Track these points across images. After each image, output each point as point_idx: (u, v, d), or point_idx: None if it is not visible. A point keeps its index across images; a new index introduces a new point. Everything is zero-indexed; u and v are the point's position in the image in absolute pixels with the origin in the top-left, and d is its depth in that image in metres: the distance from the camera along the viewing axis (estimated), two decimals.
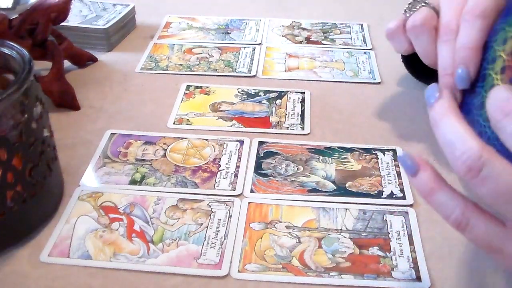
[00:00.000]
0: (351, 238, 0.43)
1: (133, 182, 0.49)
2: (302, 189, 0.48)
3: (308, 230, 0.44)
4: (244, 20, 0.79)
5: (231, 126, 0.57)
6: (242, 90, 0.63)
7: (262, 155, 0.52)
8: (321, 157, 0.52)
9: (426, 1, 0.49)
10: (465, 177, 0.29)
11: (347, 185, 0.49)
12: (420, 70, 0.60)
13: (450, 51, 0.44)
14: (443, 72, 0.45)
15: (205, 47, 0.72)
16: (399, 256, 0.42)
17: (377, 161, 0.51)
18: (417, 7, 0.48)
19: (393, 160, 0.51)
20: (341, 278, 0.40)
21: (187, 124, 0.57)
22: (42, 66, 0.61)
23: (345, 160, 0.52)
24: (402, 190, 0.48)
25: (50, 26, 0.59)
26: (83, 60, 0.67)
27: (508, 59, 0.37)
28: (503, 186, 0.28)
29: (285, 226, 0.44)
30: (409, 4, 0.50)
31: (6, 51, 0.43)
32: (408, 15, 0.49)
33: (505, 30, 0.38)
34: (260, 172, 0.50)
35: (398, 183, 0.49)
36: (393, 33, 0.51)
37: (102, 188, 0.48)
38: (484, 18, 0.41)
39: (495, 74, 0.38)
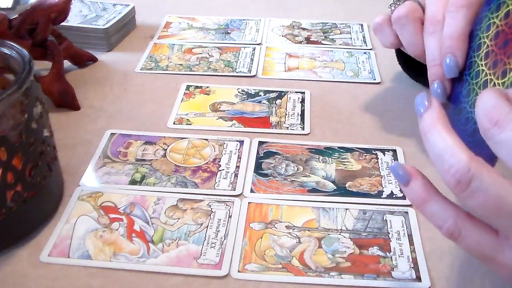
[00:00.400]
0: (351, 238, 0.43)
1: (133, 182, 0.49)
2: (302, 189, 0.48)
3: (308, 230, 0.44)
4: (244, 20, 0.79)
5: (231, 126, 0.57)
6: (242, 90, 0.63)
7: (262, 155, 0.52)
8: (321, 157, 0.52)
9: None
10: (454, 190, 0.29)
11: (347, 185, 0.49)
12: (417, 70, 0.60)
13: (437, 42, 0.45)
14: (431, 63, 0.45)
15: (205, 47, 0.72)
16: (399, 256, 0.42)
17: (377, 161, 0.51)
18: (403, 1, 0.49)
19: (393, 160, 0.51)
20: (341, 278, 0.40)
21: (187, 124, 0.57)
22: (42, 66, 0.61)
23: (345, 160, 0.52)
24: (402, 190, 0.48)
25: (50, 26, 0.59)
26: (83, 60, 0.67)
27: (491, 44, 0.38)
28: (492, 199, 0.28)
29: (285, 226, 0.44)
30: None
31: (6, 51, 0.43)
32: (393, 8, 0.50)
33: (488, 17, 0.39)
34: (260, 172, 0.50)
35: (398, 183, 0.49)
36: (379, 26, 0.52)
37: (102, 188, 0.48)
38: (469, 7, 0.42)
39: (480, 61, 0.39)
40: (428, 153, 0.31)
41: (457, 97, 0.42)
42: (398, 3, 0.50)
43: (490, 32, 0.38)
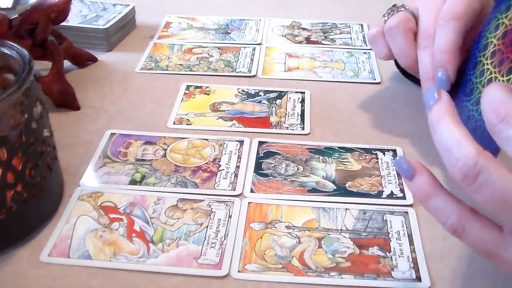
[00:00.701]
0: (351, 238, 0.43)
1: (133, 182, 0.49)
2: (302, 189, 0.48)
3: (308, 230, 0.44)
4: (244, 20, 0.79)
5: (231, 126, 0.57)
6: (242, 90, 0.63)
7: (262, 155, 0.52)
8: (321, 157, 0.52)
9: (405, 7, 0.50)
10: (461, 184, 0.29)
11: (347, 185, 0.49)
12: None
13: (430, 56, 0.45)
14: (424, 77, 0.46)
15: (205, 47, 0.72)
16: (399, 256, 0.42)
17: (377, 161, 0.51)
18: (396, 12, 0.50)
19: (393, 160, 0.51)
20: (341, 278, 0.40)
21: (187, 124, 0.57)
22: (42, 66, 0.61)
23: (345, 160, 0.52)
24: (402, 190, 0.48)
25: (50, 26, 0.59)
26: (83, 60, 0.67)
27: (498, 43, 0.38)
28: (498, 194, 0.28)
29: (285, 226, 0.44)
30: (388, 9, 0.51)
31: (6, 51, 0.43)
32: (386, 19, 0.51)
33: (497, 17, 0.39)
34: (260, 172, 0.50)
35: (398, 183, 0.49)
36: (374, 38, 0.53)
37: (102, 188, 0.48)
38: (458, 20, 0.42)
39: (485, 60, 0.39)
40: (436, 145, 0.31)
41: (459, 97, 0.42)
42: (392, 13, 0.50)
43: (498, 32, 0.38)
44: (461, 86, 0.42)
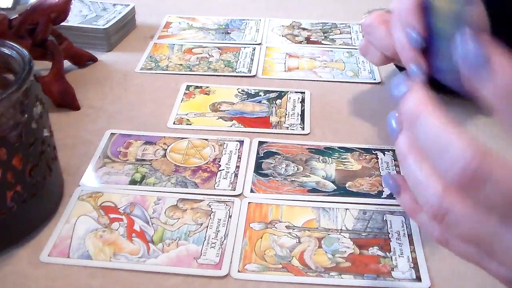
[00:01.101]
0: (351, 238, 0.43)
1: (133, 182, 0.49)
2: (302, 189, 0.48)
3: (308, 230, 0.44)
4: (244, 20, 0.79)
5: (231, 126, 0.57)
6: (242, 90, 0.63)
7: (262, 155, 0.52)
8: (321, 157, 0.52)
9: (383, 9, 0.50)
10: (432, 224, 0.30)
11: (347, 185, 0.49)
12: None
13: (402, 31, 0.45)
14: (401, 50, 0.45)
15: (205, 47, 0.72)
16: (399, 256, 0.42)
17: (377, 161, 0.51)
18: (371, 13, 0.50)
19: (393, 160, 0.51)
20: (341, 278, 0.40)
21: (187, 124, 0.57)
22: (42, 66, 0.61)
23: (345, 160, 0.52)
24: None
25: (50, 26, 0.59)
26: (83, 60, 0.67)
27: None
28: (467, 232, 0.28)
29: (285, 226, 0.44)
30: (363, 15, 0.51)
31: (6, 51, 0.43)
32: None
33: None
34: (260, 172, 0.50)
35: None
36: (363, 48, 0.53)
37: (102, 188, 0.48)
38: None
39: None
40: (406, 180, 0.31)
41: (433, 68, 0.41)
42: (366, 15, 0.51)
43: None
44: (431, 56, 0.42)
